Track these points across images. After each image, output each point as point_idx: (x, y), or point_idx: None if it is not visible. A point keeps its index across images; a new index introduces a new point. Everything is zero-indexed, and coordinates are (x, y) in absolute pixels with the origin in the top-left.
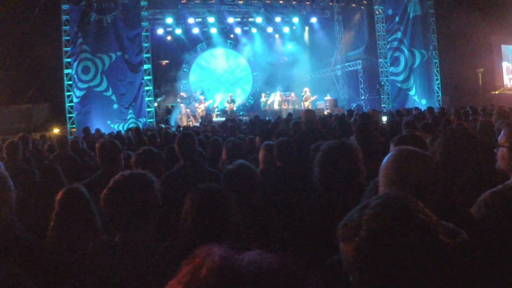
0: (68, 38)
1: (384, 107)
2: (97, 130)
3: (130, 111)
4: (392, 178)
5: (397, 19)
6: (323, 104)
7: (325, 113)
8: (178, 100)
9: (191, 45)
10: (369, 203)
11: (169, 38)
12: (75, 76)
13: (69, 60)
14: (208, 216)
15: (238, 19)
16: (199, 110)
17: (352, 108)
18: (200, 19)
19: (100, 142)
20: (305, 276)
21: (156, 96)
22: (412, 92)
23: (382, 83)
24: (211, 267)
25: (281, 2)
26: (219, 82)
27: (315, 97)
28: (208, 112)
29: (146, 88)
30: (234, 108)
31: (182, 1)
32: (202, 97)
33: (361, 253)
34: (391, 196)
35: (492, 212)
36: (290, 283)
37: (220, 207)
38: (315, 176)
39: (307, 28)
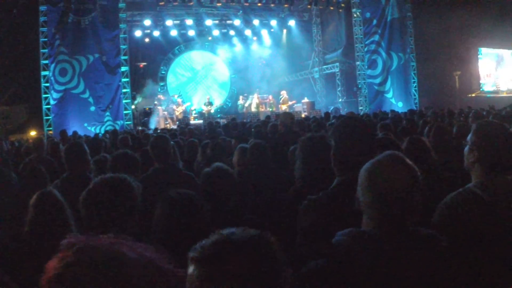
0: (45, 39)
1: (361, 109)
2: (75, 133)
3: (107, 113)
4: (364, 183)
5: (374, 22)
6: (301, 106)
7: (303, 115)
8: (156, 102)
9: (169, 47)
10: None
11: (147, 40)
12: (52, 78)
13: (46, 62)
14: (178, 225)
15: (217, 22)
16: (177, 113)
17: (329, 111)
18: (178, 21)
19: (66, 145)
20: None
21: (133, 98)
22: (389, 95)
23: (360, 86)
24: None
25: (259, 4)
26: (197, 84)
27: (293, 102)
28: (186, 114)
29: (124, 90)
30: (212, 111)
31: (161, 3)
32: (180, 100)
33: None
34: None
35: (453, 216)
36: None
37: (190, 215)
38: (295, 169)
39: (285, 30)
